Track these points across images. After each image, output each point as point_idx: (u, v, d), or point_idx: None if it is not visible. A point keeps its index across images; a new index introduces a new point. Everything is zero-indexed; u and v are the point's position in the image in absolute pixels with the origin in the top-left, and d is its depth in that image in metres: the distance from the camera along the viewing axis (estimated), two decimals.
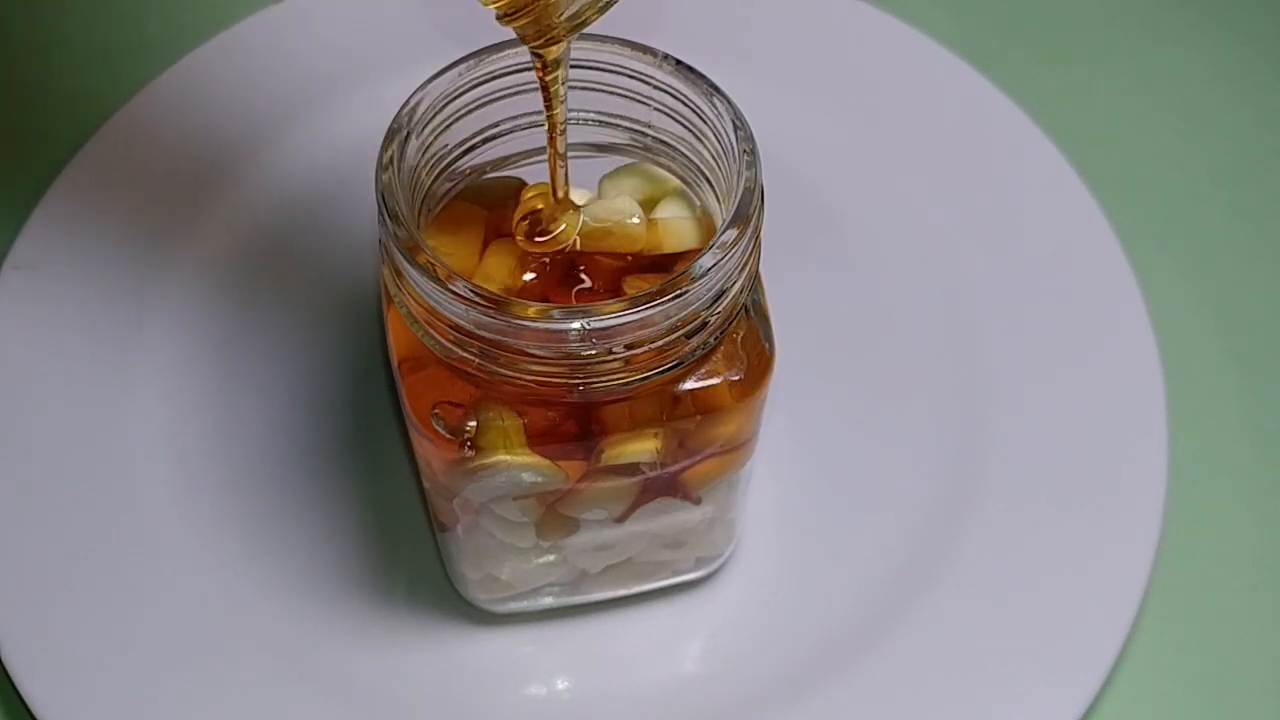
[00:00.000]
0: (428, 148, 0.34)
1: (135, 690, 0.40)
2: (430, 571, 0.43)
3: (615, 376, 0.32)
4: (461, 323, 0.32)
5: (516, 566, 0.39)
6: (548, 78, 0.33)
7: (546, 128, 0.34)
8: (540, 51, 0.32)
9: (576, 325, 0.31)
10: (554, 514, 0.37)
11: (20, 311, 0.46)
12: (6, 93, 0.53)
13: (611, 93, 0.35)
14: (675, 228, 0.36)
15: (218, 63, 0.51)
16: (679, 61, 0.34)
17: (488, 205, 0.36)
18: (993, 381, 0.46)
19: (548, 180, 0.36)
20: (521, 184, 0.37)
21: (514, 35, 0.34)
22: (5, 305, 0.46)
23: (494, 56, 0.34)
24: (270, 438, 0.45)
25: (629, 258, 0.35)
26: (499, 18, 0.31)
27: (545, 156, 0.36)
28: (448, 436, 0.34)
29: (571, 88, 0.35)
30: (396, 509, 0.44)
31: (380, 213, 0.32)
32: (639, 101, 0.35)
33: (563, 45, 0.32)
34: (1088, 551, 0.42)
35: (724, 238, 0.32)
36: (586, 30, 0.33)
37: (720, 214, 0.35)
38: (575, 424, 0.34)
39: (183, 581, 0.42)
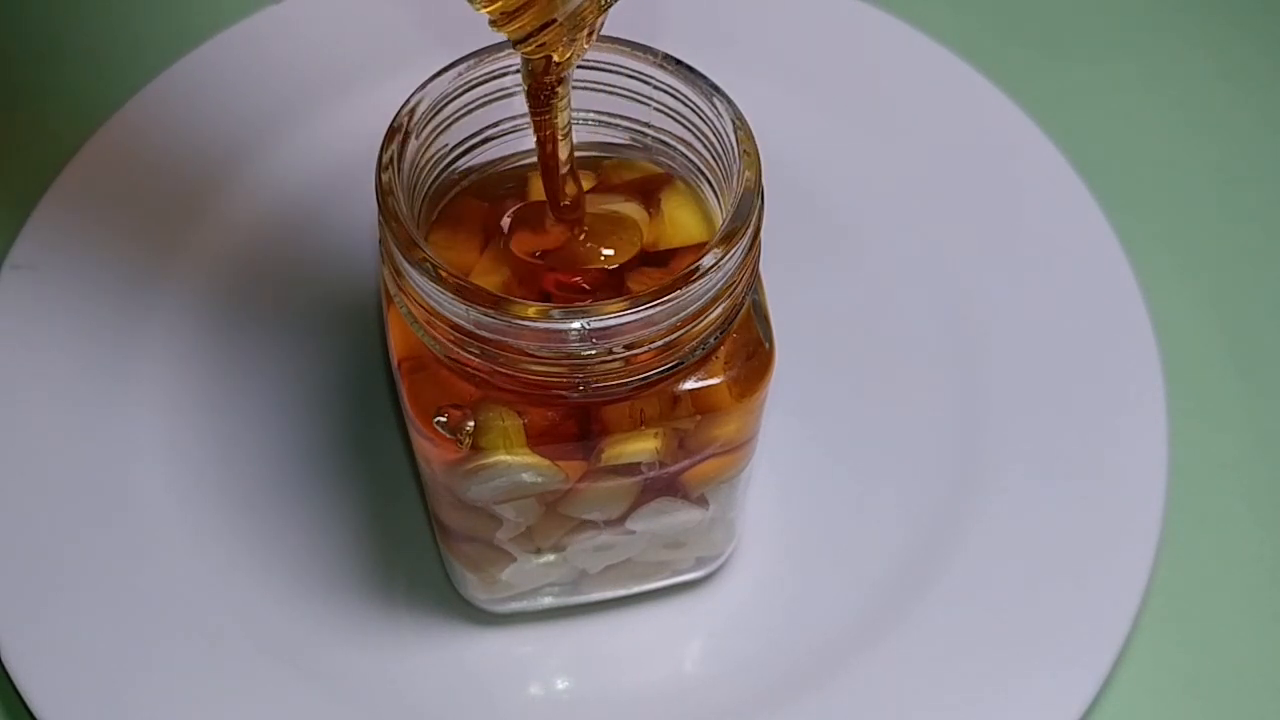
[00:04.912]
0: (427, 148, 0.34)
1: (135, 691, 0.40)
2: (430, 571, 0.43)
3: (615, 376, 0.32)
4: (461, 323, 0.32)
5: (517, 567, 0.39)
6: (554, 96, 0.33)
7: (539, 141, 0.34)
8: (547, 57, 0.32)
9: (576, 325, 0.31)
10: (554, 514, 0.37)
11: (20, 311, 0.46)
12: (6, 93, 0.53)
13: (611, 93, 0.35)
14: None
15: (218, 63, 0.51)
16: (679, 61, 0.34)
17: (489, 200, 0.36)
18: (992, 381, 0.46)
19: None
20: (525, 178, 0.37)
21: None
22: (5, 305, 0.46)
23: (493, 57, 0.34)
24: (270, 437, 0.45)
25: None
26: (493, 23, 0.31)
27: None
28: (448, 436, 0.34)
29: (571, 88, 0.35)
30: (396, 509, 0.44)
31: (380, 213, 0.32)
32: (639, 101, 0.35)
33: (569, 54, 0.32)
34: (1088, 551, 0.42)
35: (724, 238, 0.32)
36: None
37: (720, 214, 0.35)
38: (575, 424, 0.34)
39: (182, 581, 0.42)
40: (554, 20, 0.31)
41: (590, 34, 0.32)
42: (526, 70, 0.33)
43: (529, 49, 0.31)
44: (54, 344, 0.46)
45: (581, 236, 0.35)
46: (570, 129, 0.34)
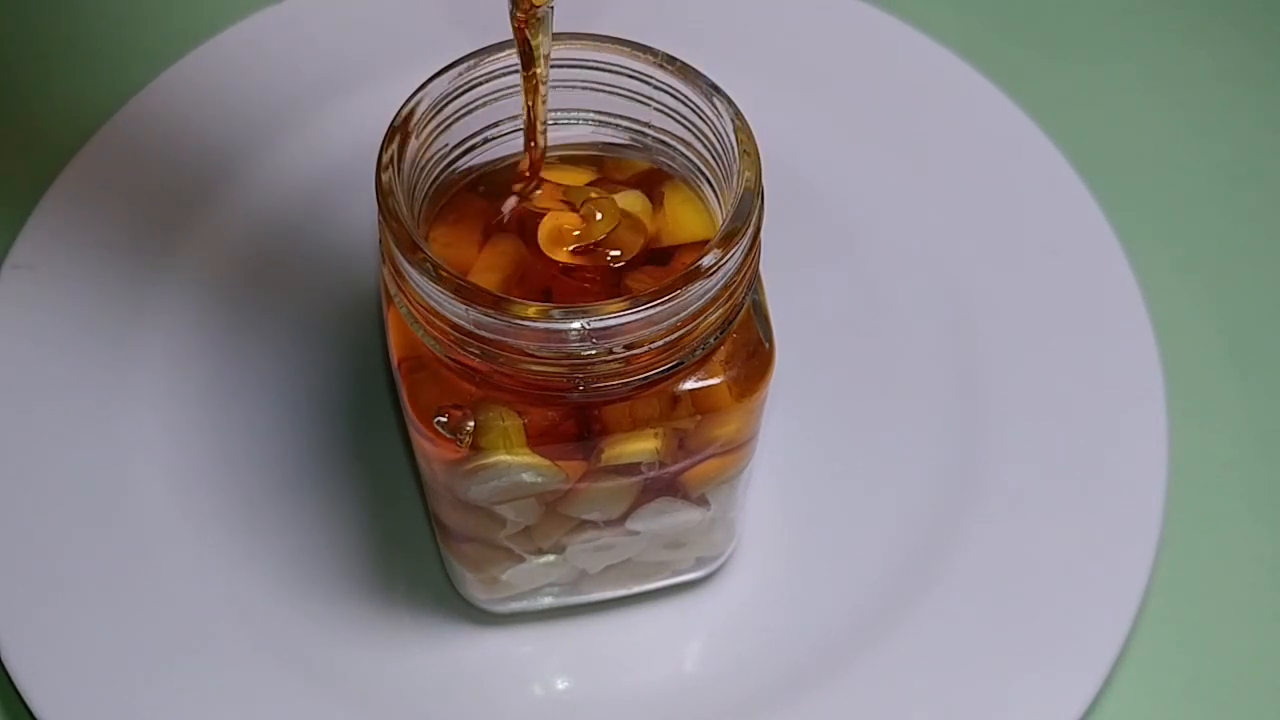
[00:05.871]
0: (427, 148, 0.34)
1: (135, 691, 0.40)
2: (430, 571, 0.43)
3: (615, 376, 0.32)
4: (461, 323, 0.32)
5: (517, 567, 0.39)
6: (531, 33, 0.33)
7: (526, 93, 0.34)
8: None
9: (576, 325, 0.31)
10: (554, 514, 0.37)
11: (20, 311, 0.46)
12: (6, 93, 0.53)
13: (611, 93, 0.35)
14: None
15: (218, 63, 0.51)
16: (679, 61, 0.34)
17: (489, 200, 0.36)
18: (992, 381, 0.46)
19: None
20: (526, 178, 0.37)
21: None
22: (5, 305, 0.46)
23: (494, 56, 0.34)
24: (270, 437, 0.45)
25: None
26: None
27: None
28: (448, 436, 0.34)
29: (571, 88, 0.35)
30: (396, 509, 0.44)
31: (380, 213, 0.32)
32: (639, 101, 0.35)
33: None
34: (1088, 552, 0.42)
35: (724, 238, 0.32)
36: (585, 32, 0.32)
37: (720, 214, 0.35)
38: (575, 424, 0.34)
39: (182, 581, 0.42)
40: None
41: None
42: (512, 8, 0.33)
43: None
44: (54, 344, 0.46)
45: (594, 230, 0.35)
46: (547, 88, 0.34)
